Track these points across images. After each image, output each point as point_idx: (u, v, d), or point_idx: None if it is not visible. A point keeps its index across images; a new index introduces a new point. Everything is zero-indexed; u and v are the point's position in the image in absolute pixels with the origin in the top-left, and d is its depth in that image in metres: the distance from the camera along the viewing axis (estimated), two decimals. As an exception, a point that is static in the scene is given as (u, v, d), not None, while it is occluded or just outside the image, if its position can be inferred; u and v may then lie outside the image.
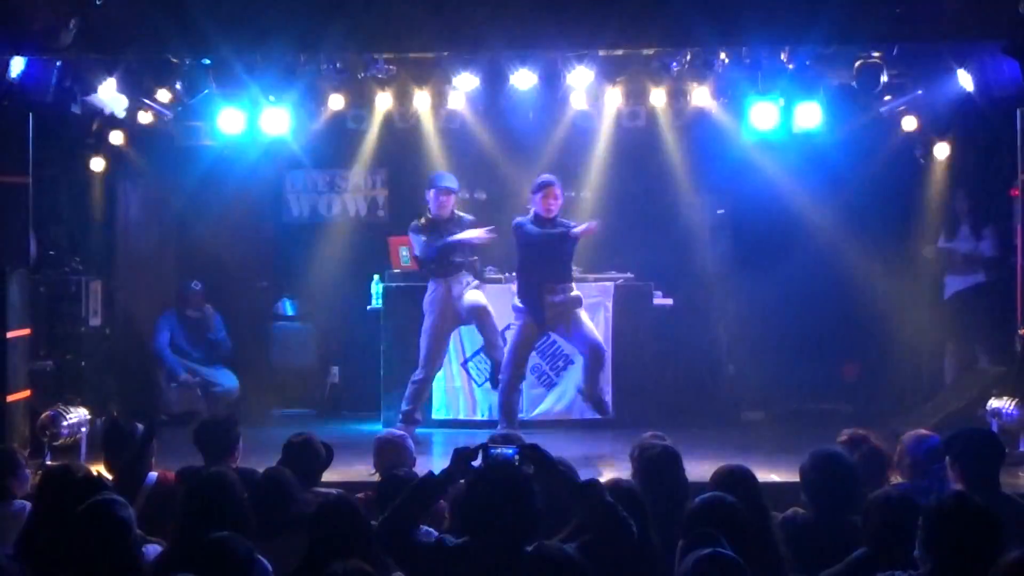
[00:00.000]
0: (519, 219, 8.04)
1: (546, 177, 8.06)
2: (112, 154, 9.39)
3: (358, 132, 9.72)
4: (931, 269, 9.26)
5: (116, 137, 9.30)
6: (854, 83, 8.46)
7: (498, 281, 9.18)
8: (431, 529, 4.25)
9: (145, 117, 9.32)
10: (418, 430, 8.19)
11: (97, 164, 9.26)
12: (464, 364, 9.17)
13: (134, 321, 9.92)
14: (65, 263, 8.90)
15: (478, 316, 8.31)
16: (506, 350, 8.17)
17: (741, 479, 4.42)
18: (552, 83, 8.71)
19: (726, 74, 8.85)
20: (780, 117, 9.16)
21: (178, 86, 8.55)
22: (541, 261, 7.96)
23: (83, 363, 8.82)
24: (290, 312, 10.51)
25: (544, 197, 7.94)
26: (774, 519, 4.43)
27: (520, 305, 8.06)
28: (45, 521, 4.42)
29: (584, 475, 4.10)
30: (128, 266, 9.92)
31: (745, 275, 9.86)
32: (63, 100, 8.23)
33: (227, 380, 9.77)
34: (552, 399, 9.07)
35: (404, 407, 8.35)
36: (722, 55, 8.54)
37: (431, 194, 8.38)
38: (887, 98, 8.98)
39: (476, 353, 9.11)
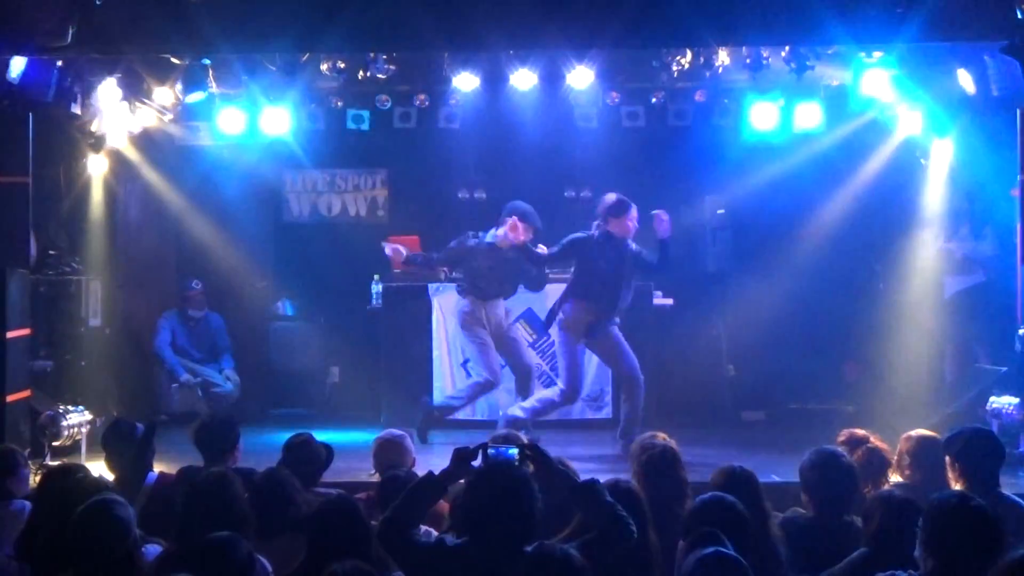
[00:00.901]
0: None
1: (624, 198, 8.02)
2: (112, 154, 9.38)
3: (358, 132, 9.72)
4: (931, 269, 9.25)
5: (116, 137, 9.30)
6: (854, 83, 8.47)
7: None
8: (431, 529, 4.25)
9: (145, 117, 9.32)
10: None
11: (97, 164, 9.26)
12: (464, 364, 9.17)
13: (134, 321, 9.91)
14: (65, 263, 8.89)
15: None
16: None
17: (742, 479, 4.42)
18: (552, 83, 8.71)
19: (726, 74, 8.85)
20: (780, 117, 9.16)
21: (178, 86, 8.54)
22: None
23: (83, 363, 8.82)
24: (290, 312, 10.51)
25: (627, 219, 7.96)
26: (774, 519, 4.43)
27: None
28: (45, 521, 4.42)
29: (584, 475, 4.10)
30: (128, 266, 9.91)
31: (745, 275, 9.87)
32: (63, 100, 8.23)
33: (228, 383, 9.78)
34: (552, 399, 9.05)
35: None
36: (722, 55, 8.54)
37: (513, 220, 8.19)
38: (886, 98, 8.97)
39: (476, 353, 9.12)
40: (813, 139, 9.37)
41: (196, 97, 8.64)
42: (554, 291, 9.03)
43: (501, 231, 8.31)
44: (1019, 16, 6.77)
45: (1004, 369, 7.89)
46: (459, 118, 9.54)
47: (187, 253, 10.38)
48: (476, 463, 3.92)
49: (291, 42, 7.50)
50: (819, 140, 9.38)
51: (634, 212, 8.00)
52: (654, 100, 9.35)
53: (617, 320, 8.13)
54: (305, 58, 8.38)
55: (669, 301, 9.30)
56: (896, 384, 9.07)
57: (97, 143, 9.18)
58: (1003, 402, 7.48)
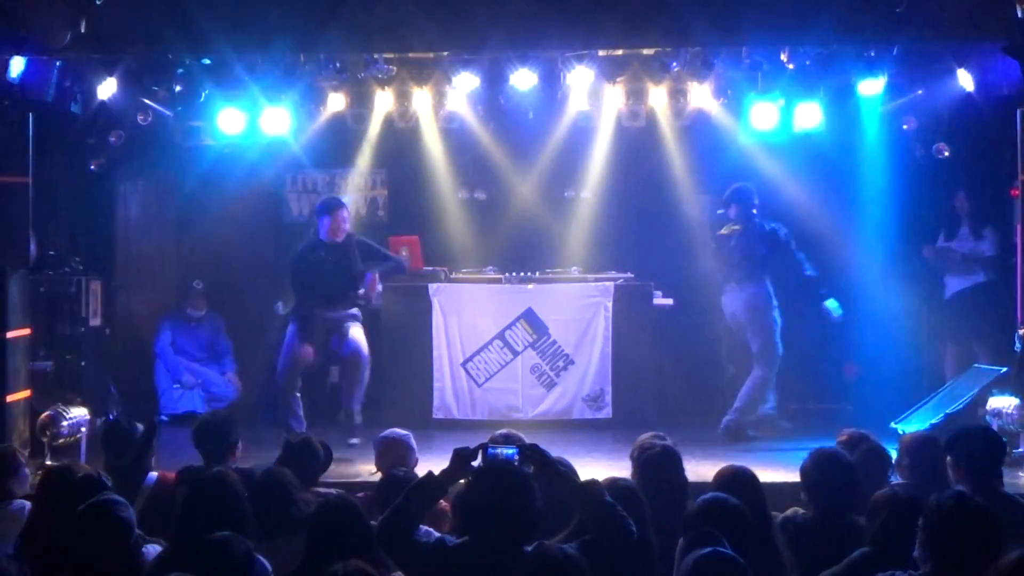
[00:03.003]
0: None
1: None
2: (112, 154, 9.38)
3: (358, 132, 9.71)
4: (931, 269, 9.25)
5: (116, 137, 9.29)
6: (854, 83, 8.47)
7: (497, 281, 9.21)
8: (431, 529, 4.25)
9: (145, 117, 9.31)
10: (418, 430, 8.15)
11: (97, 164, 9.25)
12: (464, 364, 9.16)
13: (134, 321, 9.91)
14: (65, 263, 8.89)
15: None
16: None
17: (744, 480, 4.42)
18: (552, 83, 8.71)
19: (726, 74, 8.85)
20: (780, 117, 9.16)
21: (178, 86, 8.54)
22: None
23: (83, 363, 8.82)
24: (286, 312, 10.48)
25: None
26: (774, 519, 4.43)
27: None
28: (45, 521, 4.42)
29: (584, 475, 4.10)
30: (128, 266, 9.91)
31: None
32: (63, 100, 8.22)
33: (228, 383, 9.77)
34: (552, 399, 9.06)
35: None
36: (722, 55, 8.54)
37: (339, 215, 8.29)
38: (887, 98, 8.97)
39: (476, 353, 9.11)
40: (813, 139, 9.36)
41: (195, 97, 8.64)
42: (561, 291, 9.08)
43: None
44: (1019, 16, 6.77)
45: (1004, 369, 7.88)
46: (459, 118, 9.55)
47: (187, 253, 10.37)
48: (476, 463, 3.92)
49: (291, 42, 7.51)
50: (819, 140, 9.37)
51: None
52: (654, 100, 9.35)
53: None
54: (305, 58, 8.38)
55: (669, 301, 9.30)
56: (896, 384, 9.07)
57: (97, 143, 9.19)
58: (1003, 402, 7.47)
